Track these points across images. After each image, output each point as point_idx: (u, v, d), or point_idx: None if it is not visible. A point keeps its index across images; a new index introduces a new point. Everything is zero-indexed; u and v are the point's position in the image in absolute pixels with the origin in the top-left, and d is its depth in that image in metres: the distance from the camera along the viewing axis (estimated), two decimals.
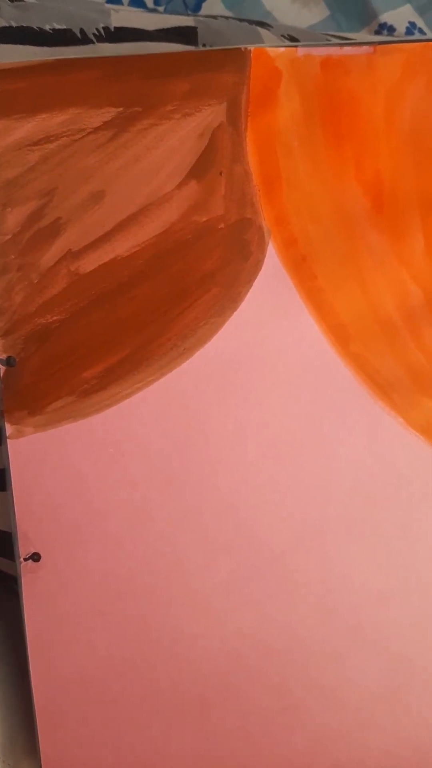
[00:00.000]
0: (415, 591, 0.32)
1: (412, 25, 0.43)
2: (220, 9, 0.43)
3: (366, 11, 0.42)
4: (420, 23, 0.42)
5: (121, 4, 0.41)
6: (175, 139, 0.30)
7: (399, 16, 0.43)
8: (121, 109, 0.30)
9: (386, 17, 0.42)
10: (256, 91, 0.29)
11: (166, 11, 0.42)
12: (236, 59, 0.29)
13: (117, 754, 0.32)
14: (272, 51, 0.29)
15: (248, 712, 0.32)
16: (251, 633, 0.32)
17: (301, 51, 0.29)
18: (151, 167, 0.30)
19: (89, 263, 0.30)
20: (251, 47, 0.29)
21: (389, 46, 0.29)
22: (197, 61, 0.29)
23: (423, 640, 0.32)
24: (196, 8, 0.43)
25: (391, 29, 0.42)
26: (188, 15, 0.40)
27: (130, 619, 0.31)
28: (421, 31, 0.43)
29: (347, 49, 0.29)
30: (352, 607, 0.32)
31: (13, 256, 0.30)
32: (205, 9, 0.43)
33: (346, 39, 0.38)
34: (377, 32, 0.42)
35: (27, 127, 0.30)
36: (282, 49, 0.29)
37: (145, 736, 0.32)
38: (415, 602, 0.32)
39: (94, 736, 0.32)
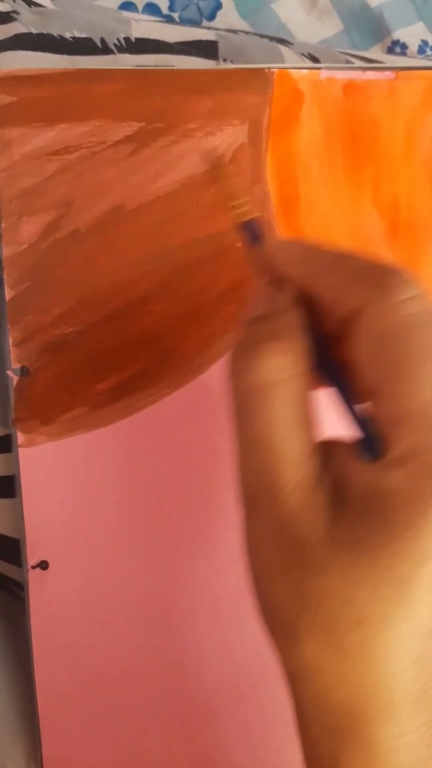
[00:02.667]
0: None
1: (425, 43, 0.43)
2: (235, 18, 0.43)
3: (379, 28, 0.43)
4: None
5: (137, 11, 0.41)
6: (196, 158, 0.30)
7: (412, 34, 0.43)
8: (143, 124, 0.30)
9: (399, 34, 0.43)
10: (278, 112, 0.30)
11: (181, 18, 0.42)
12: (260, 80, 0.29)
13: (119, 762, 0.32)
14: (295, 73, 0.30)
15: (251, 723, 0.32)
16: (256, 644, 0.32)
17: (323, 74, 0.30)
18: (171, 185, 0.30)
19: (106, 276, 0.31)
20: (275, 68, 0.29)
21: (411, 72, 0.30)
22: (221, 80, 0.29)
23: None
24: (211, 17, 0.43)
25: (403, 47, 0.43)
26: (206, 27, 0.40)
27: (135, 629, 0.32)
28: None
29: (369, 74, 0.30)
30: None
31: (28, 266, 0.30)
32: (220, 18, 0.43)
33: (364, 58, 0.38)
34: (390, 49, 0.43)
35: (46, 137, 0.30)
36: (305, 72, 0.30)
37: (148, 745, 0.32)
38: None
39: (96, 743, 0.32)
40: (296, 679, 0.20)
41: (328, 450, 0.22)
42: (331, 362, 0.22)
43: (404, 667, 0.18)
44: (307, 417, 0.21)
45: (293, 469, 0.20)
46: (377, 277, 0.20)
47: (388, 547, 0.18)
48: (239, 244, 0.31)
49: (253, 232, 0.24)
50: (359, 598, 0.18)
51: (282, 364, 0.21)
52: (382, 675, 0.19)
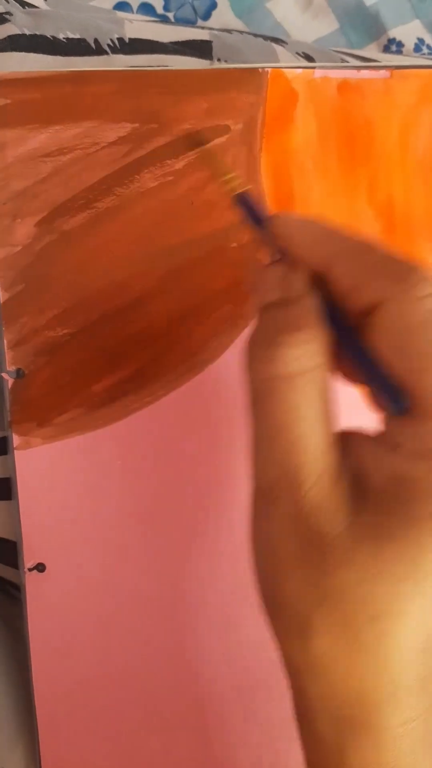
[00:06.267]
0: None
1: (421, 41, 0.43)
2: (230, 17, 0.42)
3: (375, 26, 0.43)
4: (428, 39, 0.43)
5: (131, 11, 0.41)
6: (190, 158, 0.30)
7: (407, 32, 0.43)
8: (137, 125, 0.30)
9: (395, 32, 0.43)
10: (272, 112, 0.30)
11: (176, 18, 0.42)
12: (253, 79, 0.29)
13: (117, 763, 0.32)
14: (289, 72, 0.29)
15: (250, 723, 0.32)
16: (254, 644, 0.32)
17: (318, 73, 0.29)
18: (165, 185, 0.30)
19: (101, 278, 0.30)
20: (268, 67, 0.29)
21: (406, 71, 0.30)
22: (215, 80, 0.29)
23: None
24: (206, 16, 0.43)
25: (399, 45, 0.43)
26: (200, 27, 0.40)
27: (133, 630, 0.32)
28: (429, 47, 0.43)
29: (364, 73, 0.29)
30: None
31: (23, 268, 0.30)
32: (215, 17, 0.43)
33: (359, 57, 0.38)
34: (386, 47, 0.43)
35: (40, 138, 0.30)
36: (299, 71, 0.29)
37: (146, 746, 0.32)
38: None
39: (94, 744, 0.32)
40: (304, 673, 0.20)
41: (346, 441, 0.22)
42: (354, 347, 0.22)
43: (413, 657, 0.19)
44: (328, 407, 0.21)
45: (315, 460, 0.20)
46: (398, 271, 0.20)
47: (413, 539, 0.18)
48: (234, 244, 0.30)
49: (248, 205, 0.24)
50: (378, 593, 0.18)
51: (304, 353, 0.20)
52: (392, 666, 0.19)
